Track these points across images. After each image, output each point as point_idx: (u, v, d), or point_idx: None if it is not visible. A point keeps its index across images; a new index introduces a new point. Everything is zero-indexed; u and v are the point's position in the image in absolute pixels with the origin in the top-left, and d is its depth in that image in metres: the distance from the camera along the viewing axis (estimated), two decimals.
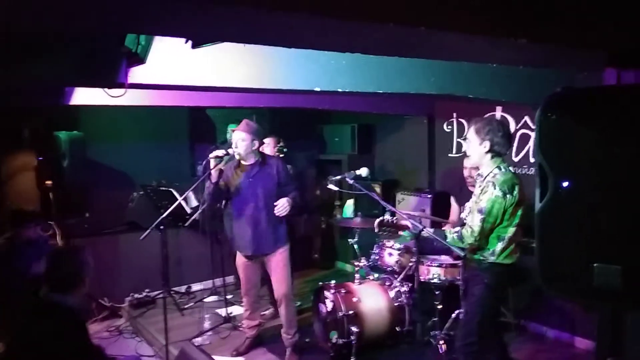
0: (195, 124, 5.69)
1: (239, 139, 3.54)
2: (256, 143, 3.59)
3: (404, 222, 3.25)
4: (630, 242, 1.12)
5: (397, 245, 4.00)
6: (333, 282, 3.89)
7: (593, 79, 1.66)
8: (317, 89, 2.73)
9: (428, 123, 5.23)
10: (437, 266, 3.69)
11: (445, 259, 3.83)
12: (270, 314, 4.49)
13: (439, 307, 3.76)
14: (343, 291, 3.75)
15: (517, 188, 2.71)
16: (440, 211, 4.51)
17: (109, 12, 1.17)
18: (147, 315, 4.76)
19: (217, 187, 3.57)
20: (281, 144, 4.61)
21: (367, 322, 3.69)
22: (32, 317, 2.10)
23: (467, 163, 3.91)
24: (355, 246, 4.20)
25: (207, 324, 4.35)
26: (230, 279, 5.09)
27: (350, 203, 5.76)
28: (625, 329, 1.53)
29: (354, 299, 3.73)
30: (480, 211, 2.71)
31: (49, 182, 4.42)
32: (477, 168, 2.94)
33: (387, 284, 3.98)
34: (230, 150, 3.55)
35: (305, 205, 4.58)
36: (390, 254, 4.00)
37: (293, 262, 3.84)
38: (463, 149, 4.21)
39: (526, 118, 4.32)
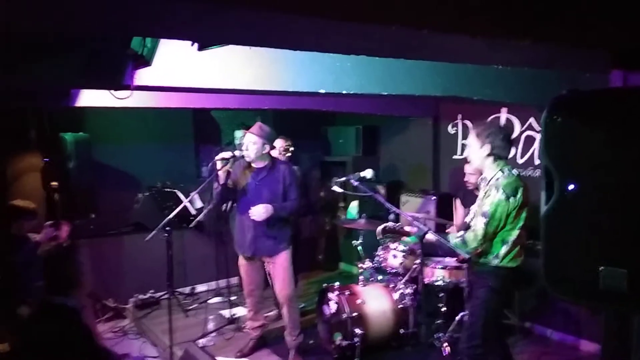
0: (201, 126, 5.70)
1: (251, 141, 3.52)
2: (267, 147, 3.58)
3: (407, 228, 3.24)
4: (637, 245, 1.11)
5: (402, 247, 4.00)
6: (337, 283, 3.89)
7: (599, 81, 1.65)
8: (322, 91, 2.73)
9: (433, 125, 5.23)
10: (442, 268, 3.69)
11: (450, 261, 3.82)
12: (274, 315, 4.49)
13: (443, 309, 3.76)
14: (347, 293, 3.75)
15: (520, 191, 2.70)
16: (444, 213, 4.50)
17: (113, 14, 1.18)
18: (152, 316, 4.78)
19: (226, 187, 3.58)
20: (289, 142, 4.62)
21: (371, 324, 3.68)
22: (37, 317, 2.11)
23: (468, 168, 3.91)
24: (360, 248, 4.20)
25: (211, 325, 4.36)
26: (234, 280, 5.11)
27: (354, 204, 5.76)
28: (631, 333, 1.52)
29: (358, 301, 3.72)
30: (483, 215, 2.70)
31: (54, 184, 4.44)
32: (480, 173, 2.92)
33: (392, 285, 3.97)
34: (236, 153, 3.55)
35: (300, 214, 4.60)
36: (395, 256, 4.00)
37: (297, 264, 3.84)
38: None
39: (531, 120, 4.30)
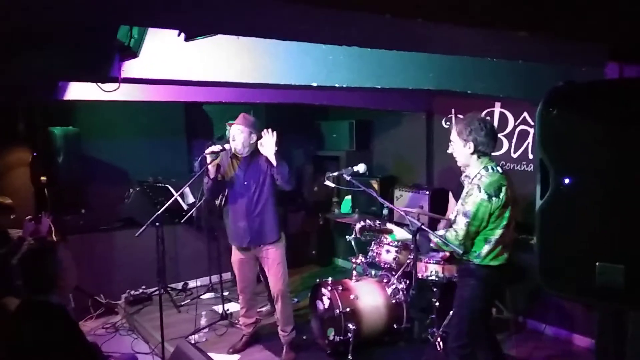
0: (192, 120, 5.65)
1: (237, 132, 3.51)
2: (254, 137, 3.56)
3: (389, 226, 3.20)
4: (634, 241, 1.09)
5: (395, 242, 3.98)
6: (330, 279, 3.87)
7: (595, 76, 1.62)
8: (315, 84, 2.70)
9: (426, 119, 5.20)
10: (435, 263, 3.67)
11: (444, 255, 3.80)
12: (267, 311, 4.47)
13: (437, 304, 3.75)
14: (340, 288, 3.73)
15: (504, 189, 2.63)
16: (438, 208, 4.48)
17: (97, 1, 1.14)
18: (143, 312, 4.74)
19: (216, 181, 3.55)
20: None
21: (365, 320, 3.67)
22: (21, 317, 2.07)
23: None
24: (353, 243, 4.18)
25: (203, 321, 4.32)
26: (227, 275, 5.07)
27: (348, 199, 5.73)
28: (626, 329, 1.50)
29: (351, 296, 3.70)
30: (465, 214, 2.65)
31: (43, 178, 4.38)
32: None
33: (385, 281, 3.96)
34: (226, 146, 3.53)
35: (293, 208, 4.53)
36: (388, 251, 3.98)
37: (290, 259, 3.82)
38: None
39: (525, 114, 4.29)
